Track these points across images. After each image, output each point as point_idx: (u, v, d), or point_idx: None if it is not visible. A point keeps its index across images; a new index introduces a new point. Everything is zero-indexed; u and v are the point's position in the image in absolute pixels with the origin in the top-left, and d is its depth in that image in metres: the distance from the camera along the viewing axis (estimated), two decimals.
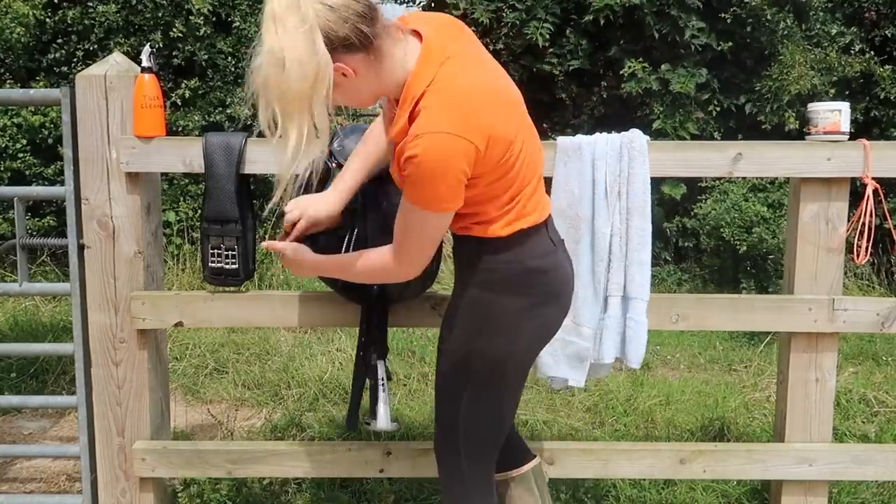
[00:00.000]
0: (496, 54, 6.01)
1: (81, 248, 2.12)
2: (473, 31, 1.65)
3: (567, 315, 1.71)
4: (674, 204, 5.80)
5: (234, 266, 2.06)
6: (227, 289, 2.14)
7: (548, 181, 2.09)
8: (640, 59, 5.55)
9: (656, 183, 5.94)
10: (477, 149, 1.40)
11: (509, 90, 1.54)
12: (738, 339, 4.55)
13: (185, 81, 5.76)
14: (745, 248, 4.99)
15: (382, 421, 1.95)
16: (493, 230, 1.54)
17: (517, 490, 1.85)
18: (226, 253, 2.06)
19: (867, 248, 2.06)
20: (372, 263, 1.59)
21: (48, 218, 5.47)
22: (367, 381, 2.00)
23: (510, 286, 1.58)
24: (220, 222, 2.04)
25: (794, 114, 5.55)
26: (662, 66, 5.54)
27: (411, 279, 1.61)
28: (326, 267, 1.69)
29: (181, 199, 5.62)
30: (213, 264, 2.07)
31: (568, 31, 5.73)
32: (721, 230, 5.14)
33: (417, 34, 1.50)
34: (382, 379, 1.97)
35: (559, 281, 1.63)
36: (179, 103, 5.71)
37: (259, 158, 2.05)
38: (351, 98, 1.51)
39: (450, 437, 1.68)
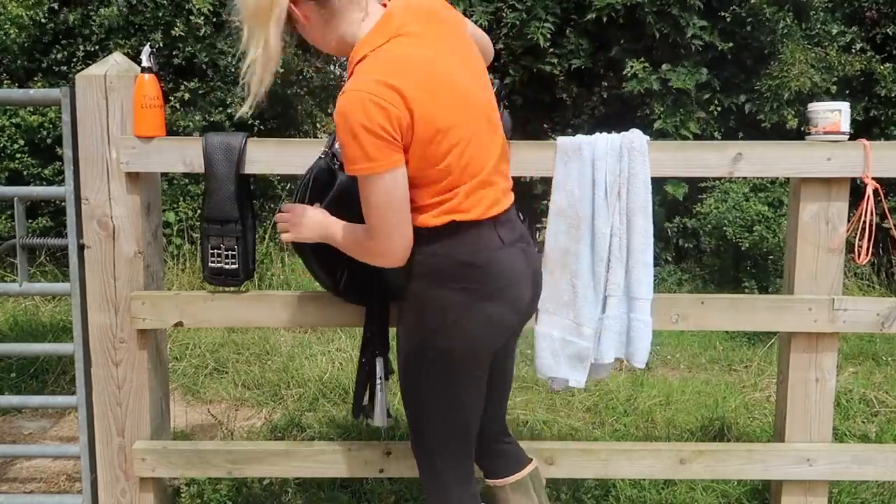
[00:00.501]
0: (495, 55, 6.01)
1: (81, 248, 2.12)
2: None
3: (516, 314, 1.64)
4: (675, 204, 5.80)
5: (233, 266, 2.06)
6: (227, 289, 2.14)
7: (548, 181, 2.10)
8: (641, 59, 5.55)
9: (658, 182, 5.95)
10: (397, 112, 1.42)
11: (460, 84, 1.53)
12: (738, 339, 4.55)
13: (185, 83, 5.76)
14: (747, 245, 4.99)
15: (378, 417, 1.99)
16: (424, 219, 1.54)
17: (515, 495, 1.85)
18: (226, 253, 2.06)
19: (868, 248, 2.05)
20: (356, 235, 1.60)
21: (43, 218, 5.47)
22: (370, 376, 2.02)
23: (442, 279, 1.56)
24: (220, 222, 2.04)
25: (793, 112, 5.56)
26: (663, 66, 5.54)
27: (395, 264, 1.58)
28: (332, 229, 1.66)
29: (181, 199, 5.62)
30: (213, 264, 2.07)
31: (568, 31, 5.74)
32: (724, 229, 5.14)
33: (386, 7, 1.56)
34: (380, 377, 1.98)
35: (501, 277, 1.57)
36: (178, 105, 5.71)
37: (259, 158, 2.05)
38: (310, 37, 1.60)
39: (418, 436, 1.69)
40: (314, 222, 1.69)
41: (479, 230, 1.56)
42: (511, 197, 1.67)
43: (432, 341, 1.58)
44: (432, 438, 1.66)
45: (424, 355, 1.60)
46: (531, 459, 1.92)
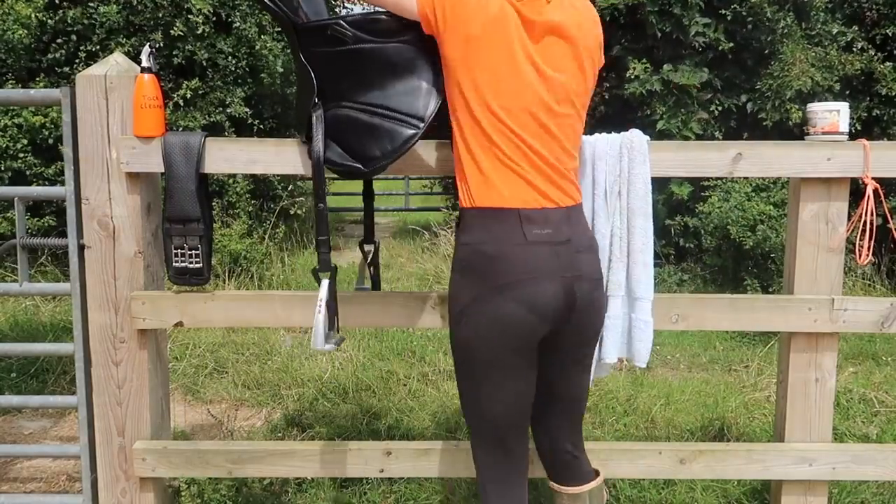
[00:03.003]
0: None
1: (81, 248, 2.12)
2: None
3: (537, 316, 1.58)
4: (677, 203, 5.80)
5: (198, 265, 2.06)
6: (227, 289, 2.14)
7: None
8: (643, 59, 5.54)
9: (663, 182, 5.91)
10: None
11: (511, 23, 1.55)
12: (739, 339, 4.55)
13: (186, 82, 5.76)
14: (750, 244, 4.99)
15: (313, 342, 1.80)
16: (466, 194, 1.60)
17: None
18: (189, 252, 2.05)
19: (869, 248, 2.05)
20: None
21: (48, 218, 5.48)
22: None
23: (463, 268, 1.62)
24: (183, 222, 2.03)
25: (796, 107, 5.56)
26: (664, 66, 5.54)
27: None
28: None
29: None
30: (177, 264, 2.07)
31: None
32: (727, 227, 5.15)
33: None
34: (321, 300, 1.80)
35: (516, 271, 1.55)
36: (182, 104, 5.72)
37: (261, 158, 2.05)
38: None
39: (468, 425, 1.73)
40: None
41: (507, 222, 1.58)
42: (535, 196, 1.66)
43: (455, 333, 1.64)
44: (473, 432, 1.71)
45: (452, 345, 1.67)
46: (597, 475, 1.91)
